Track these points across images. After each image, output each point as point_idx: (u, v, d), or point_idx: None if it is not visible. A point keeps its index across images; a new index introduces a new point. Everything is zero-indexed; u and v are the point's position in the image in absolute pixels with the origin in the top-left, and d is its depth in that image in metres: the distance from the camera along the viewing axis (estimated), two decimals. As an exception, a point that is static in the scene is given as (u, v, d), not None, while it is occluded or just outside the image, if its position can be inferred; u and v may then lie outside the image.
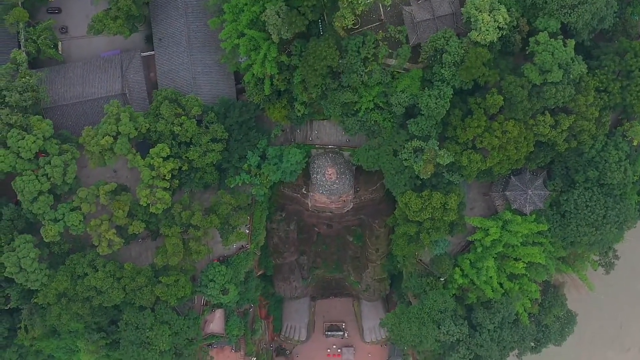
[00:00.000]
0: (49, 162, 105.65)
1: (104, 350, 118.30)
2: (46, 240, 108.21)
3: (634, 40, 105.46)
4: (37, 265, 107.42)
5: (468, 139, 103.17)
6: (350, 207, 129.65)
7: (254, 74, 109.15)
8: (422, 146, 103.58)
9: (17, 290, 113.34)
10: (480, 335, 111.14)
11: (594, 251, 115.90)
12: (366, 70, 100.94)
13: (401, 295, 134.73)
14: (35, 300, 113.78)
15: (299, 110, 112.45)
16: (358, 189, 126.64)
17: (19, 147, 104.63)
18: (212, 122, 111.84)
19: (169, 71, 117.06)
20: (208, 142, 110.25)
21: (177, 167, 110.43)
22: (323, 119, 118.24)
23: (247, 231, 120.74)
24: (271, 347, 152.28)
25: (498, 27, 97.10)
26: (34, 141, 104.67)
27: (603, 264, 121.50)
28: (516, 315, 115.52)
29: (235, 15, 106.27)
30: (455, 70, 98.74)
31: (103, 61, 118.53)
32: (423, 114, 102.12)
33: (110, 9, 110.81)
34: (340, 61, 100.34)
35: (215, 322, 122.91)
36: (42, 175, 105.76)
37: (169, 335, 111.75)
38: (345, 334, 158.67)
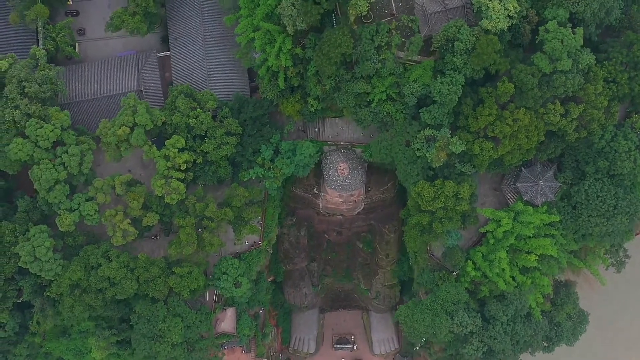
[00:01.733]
0: (66, 152, 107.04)
1: (114, 347, 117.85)
2: (61, 230, 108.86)
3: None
4: (51, 255, 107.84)
5: (480, 127, 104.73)
6: (362, 208, 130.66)
7: (268, 68, 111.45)
8: (434, 135, 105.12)
9: (30, 282, 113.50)
10: (493, 327, 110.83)
11: (605, 244, 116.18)
12: (380, 58, 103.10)
13: (412, 296, 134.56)
14: (47, 294, 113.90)
15: (312, 105, 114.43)
16: (369, 189, 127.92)
17: (37, 136, 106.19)
18: (226, 117, 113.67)
19: (185, 69, 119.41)
20: (222, 135, 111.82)
21: (192, 160, 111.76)
22: (335, 117, 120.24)
23: (260, 227, 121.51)
24: (280, 358, 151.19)
25: (508, 15, 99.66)
26: (52, 130, 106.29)
27: (614, 262, 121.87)
28: (529, 310, 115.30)
29: (250, 10, 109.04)
30: (467, 58, 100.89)
31: (119, 60, 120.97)
32: (436, 102, 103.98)
33: (128, 5, 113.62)
34: (354, 50, 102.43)
35: (227, 322, 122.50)
36: (59, 165, 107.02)
37: (181, 329, 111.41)
38: (355, 347, 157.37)
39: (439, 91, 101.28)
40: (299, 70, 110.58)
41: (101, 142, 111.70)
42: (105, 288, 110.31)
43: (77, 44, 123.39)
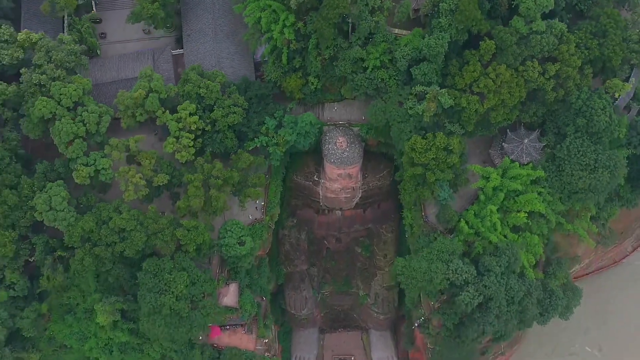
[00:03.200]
0: (86, 110, 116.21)
1: (119, 315, 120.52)
2: (77, 182, 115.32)
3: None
4: (66, 205, 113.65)
5: (466, 84, 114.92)
6: (359, 196, 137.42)
7: (273, 47, 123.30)
8: (424, 90, 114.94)
9: (43, 240, 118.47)
10: (488, 278, 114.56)
11: (590, 207, 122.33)
12: (374, 19, 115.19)
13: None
14: (59, 253, 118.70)
15: (312, 84, 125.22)
16: (366, 175, 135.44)
17: (60, 94, 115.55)
18: (233, 93, 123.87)
19: (196, 60, 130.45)
20: (230, 105, 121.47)
21: (201, 128, 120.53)
22: (333, 101, 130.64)
23: (263, 203, 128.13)
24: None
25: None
26: (75, 89, 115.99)
27: (601, 232, 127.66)
28: (522, 270, 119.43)
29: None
30: (451, 19, 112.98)
31: (137, 54, 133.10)
32: (425, 60, 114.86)
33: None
34: (351, 10, 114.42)
35: (229, 296, 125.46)
36: (79, 122, 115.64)
37: (185, 281, 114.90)
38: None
39: (427, 44, 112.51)
40: (301, 47, 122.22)
41: (118, 112, 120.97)
42: (115, 243, 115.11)
43: (98, 50, 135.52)
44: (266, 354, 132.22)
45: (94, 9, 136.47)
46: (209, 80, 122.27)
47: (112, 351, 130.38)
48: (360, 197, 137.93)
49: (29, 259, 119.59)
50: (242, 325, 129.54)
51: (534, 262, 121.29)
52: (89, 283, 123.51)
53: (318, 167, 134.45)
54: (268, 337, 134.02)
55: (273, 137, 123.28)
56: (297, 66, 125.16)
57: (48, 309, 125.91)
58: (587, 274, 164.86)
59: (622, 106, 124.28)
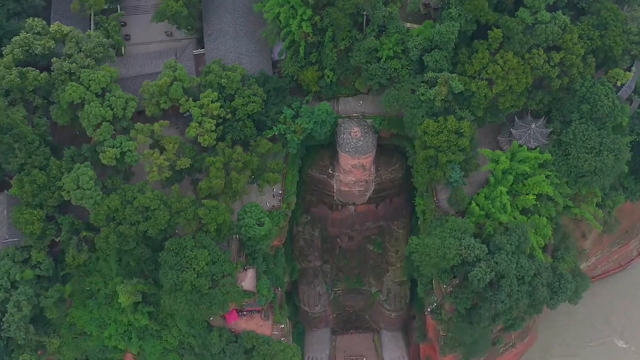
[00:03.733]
0: (114, 95, 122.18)
1: (139, 296, 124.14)
2: (104, 162, 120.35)
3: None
4: (92, 184, 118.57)
5: (475, 70, 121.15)
6: (372, 189, 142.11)
7: (291, 42, 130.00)
8: (436, 76, 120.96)
9: (69, 221, 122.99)
10: (499, 255, 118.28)
11: (596, 192, 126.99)
12: (388, 9, 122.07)
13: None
14: (83, 233, 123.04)
15: (327, 77, 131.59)
16: (379, 168, 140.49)
17: (90, 80, 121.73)
18: (252, 85, 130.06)
19: (217, 57, 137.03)
20: (250, 95, 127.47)
21: (222, 116, 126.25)
22: (348, 96, 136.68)
23: (280, 191, 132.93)
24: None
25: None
26: (103, 76, 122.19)
27: (606, 218, 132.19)
28: (531, 251, 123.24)
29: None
30: (460, 9, 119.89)
31: (159, 52, 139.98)
32: (436, 48, 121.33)
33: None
34: (365, 2, 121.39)
35: (247, 281, 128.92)
36: (107, 106, 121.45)
37: (207, 261, 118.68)
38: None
39: (439, 32, 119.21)
40: (318, 40, 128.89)
41: (142, 101, 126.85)
42: (139, 222, 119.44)
43: (122, 47, 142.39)
44: (282, 339, 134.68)
45: (119, 9, 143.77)
46: (230, 71, 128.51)
47: (131, 338, 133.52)
48: (373, 191, 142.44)
49: (55, 239, 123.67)
50: (258, 311, 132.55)
51: (543, 245, 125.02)
52: (111, 266, 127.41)
53: (333, 161, 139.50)
54: (283, 324, 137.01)
55: (290, 125, 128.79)
56: (313, 60, 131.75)
57: (70, 293, 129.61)
58: (593, 278, 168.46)
59: (624, 97, 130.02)
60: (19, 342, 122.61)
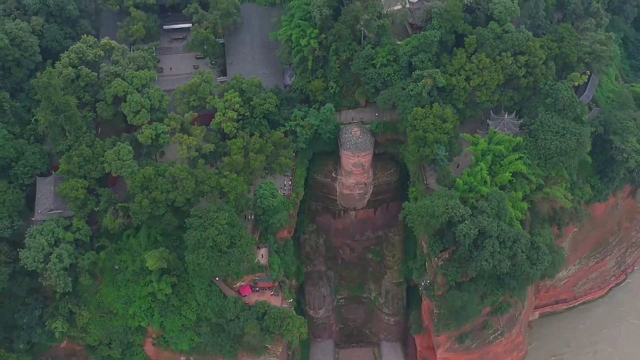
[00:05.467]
0: (152, 89, 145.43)
1: (165, 263, 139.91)
2: (141, 140, 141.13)
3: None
4: (131, 157, 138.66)
5: (455, 69, 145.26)
6: (370, 192, 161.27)
7: (301, 58, 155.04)
8: (422, 74, 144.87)
9: (107, 192, 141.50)
10: (481, 215, 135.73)
11: (563, 173, 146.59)
12: (381, 21, 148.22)
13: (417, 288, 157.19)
14: (119, 205, 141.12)
15: (331, 88, 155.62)
16: (376, 172, 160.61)
17: (132, 77, 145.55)
18: (267, 93, 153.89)
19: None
20: (265, 98, 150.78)
21: (242, 114, 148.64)
22: (349, 108, 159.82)
23: (290, 182, 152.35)
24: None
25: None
26: (144, 74, 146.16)
27: (575, 211, 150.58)
28: (510, 221, 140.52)
29: (288, 20, 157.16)
30: (441, 21, 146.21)
31: (188, 76, 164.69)
32: (422, 52, 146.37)
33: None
34: (363, 15, 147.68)
35: (260, 258, 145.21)
36: (145, 97, 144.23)
37: (227, 221, 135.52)
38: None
39: (424, 36, 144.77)
40: (323, 55, 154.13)
41: (174, 101, 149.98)
42: (169, 191, 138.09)
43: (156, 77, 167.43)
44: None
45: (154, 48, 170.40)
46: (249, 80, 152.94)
47: (153, 314, 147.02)
48: (371, 194, 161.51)
49: (95, 208, 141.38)
50: (269, 287, 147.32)
51: (521, 218, 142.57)
52: (141, 240, 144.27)
53: (336, 166, 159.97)
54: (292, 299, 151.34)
55: (300, 122, 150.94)
56: (319, 75, 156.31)
57: (101, 269, 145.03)
58: (569, 304, 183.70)
59: (585, 104, 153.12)
60: (58, 290, 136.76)
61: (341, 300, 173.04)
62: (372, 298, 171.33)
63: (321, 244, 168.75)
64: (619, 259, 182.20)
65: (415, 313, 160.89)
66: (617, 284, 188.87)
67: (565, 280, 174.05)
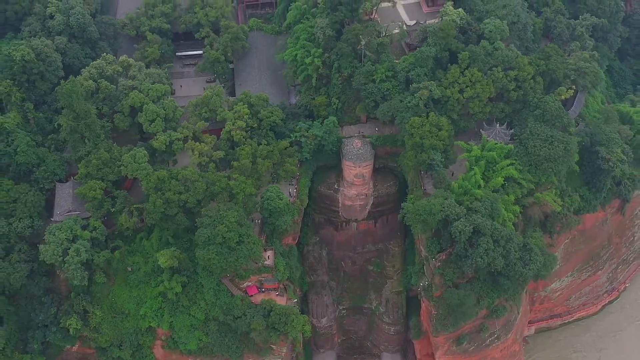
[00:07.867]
0: (167, 100, 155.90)
1: (176, 262, 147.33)
2: (155, 146, 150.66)
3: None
4: (146, 161, 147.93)
5: (449, 82, 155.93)
6: (371, 203, 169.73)
7: (306, 76, 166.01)
8: (419, 87, 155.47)
9: (123, 194, 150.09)
10: (475, 213, 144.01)
11: (552, 179, 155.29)
12: (379, 40, 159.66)
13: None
14: (134, 206, 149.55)
15: (334, 103, 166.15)
16: (376, 184, 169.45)
17: (148, 90, 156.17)
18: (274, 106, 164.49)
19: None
20: (272, 110, 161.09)
21: (250, 125, 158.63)
22: (350, 124, 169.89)
23: (295, 190, 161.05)
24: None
25: (457, 15, 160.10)
26: (159, 87, 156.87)
27: (565, 217, 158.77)
28: (503, 222, 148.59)
29: (294, 42, 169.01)
30: (436, 38, 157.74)
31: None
32: (418, 66, 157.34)
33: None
34: (364, 33, 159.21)
35: (267, 259, 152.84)
36: (160, 107, 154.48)
37: (236, 219, 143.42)
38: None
39: (420, 51, 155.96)
40: (326, 73, 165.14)
41: (186, 112, 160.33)
42: (181, 192, 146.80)
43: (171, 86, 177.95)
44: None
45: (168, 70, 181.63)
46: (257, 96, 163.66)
47: (163, 315, 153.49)
48: (372, 205, 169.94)
49: (111, 209, 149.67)
50: (275, 288, 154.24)
51: (514, 221, 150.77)
52: (153, 241, 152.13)
53: (338, 178, 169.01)
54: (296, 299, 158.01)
55: (304, 133, 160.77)
56: (322, 92, 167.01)
57: (114, 270, 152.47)
58: (564, 319, 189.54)
59: (573, 118, 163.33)
60: (75, 283, 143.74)
61: (343, 311, 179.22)
62: (373, 308, 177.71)
63: (324, 256, 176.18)
64: (610, 274, 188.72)
65: (414, 319, 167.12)
66: (609, 302, 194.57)
67: (559, 292, 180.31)
